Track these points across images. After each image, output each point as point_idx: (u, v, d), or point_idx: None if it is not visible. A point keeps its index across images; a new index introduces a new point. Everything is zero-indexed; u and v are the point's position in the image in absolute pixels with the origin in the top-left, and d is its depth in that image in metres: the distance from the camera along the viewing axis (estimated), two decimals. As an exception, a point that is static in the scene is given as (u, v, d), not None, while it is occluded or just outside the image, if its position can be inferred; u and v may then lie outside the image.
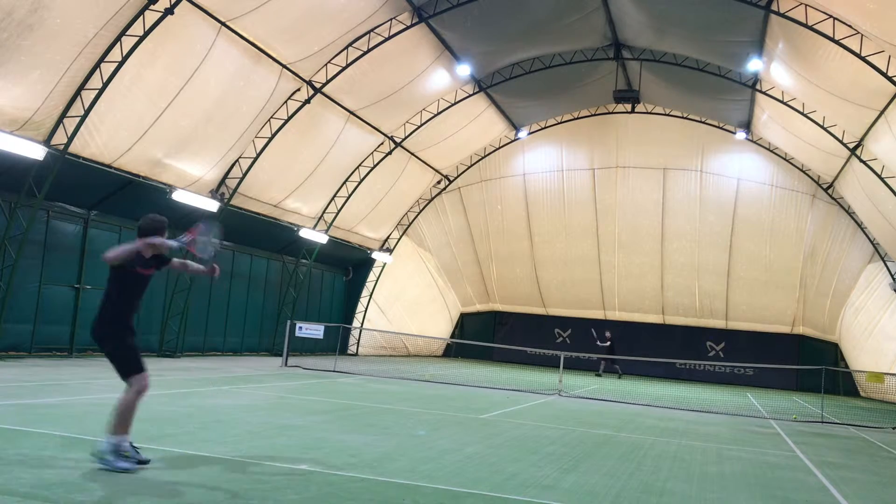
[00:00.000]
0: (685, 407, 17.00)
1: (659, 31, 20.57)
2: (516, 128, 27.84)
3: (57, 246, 16.41)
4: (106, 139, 15.66)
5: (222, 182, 19.50)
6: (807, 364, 26.97)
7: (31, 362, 14.51)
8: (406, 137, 24.31)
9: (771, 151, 25.87)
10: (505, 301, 33.60)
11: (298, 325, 20.63)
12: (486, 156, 28.87)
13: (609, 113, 27.23)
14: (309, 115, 20.10)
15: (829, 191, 24.92)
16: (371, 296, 29.04)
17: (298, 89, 19.32)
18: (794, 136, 22.85)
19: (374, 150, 24.00)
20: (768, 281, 28.09)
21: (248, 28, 16.51)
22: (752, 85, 21.57)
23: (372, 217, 26.81)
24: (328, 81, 19.39)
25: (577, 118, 27.69)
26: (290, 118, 19.39)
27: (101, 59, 14.36)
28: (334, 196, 24.06)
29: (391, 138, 24.08)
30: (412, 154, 25.87)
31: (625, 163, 27.87)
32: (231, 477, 6.01)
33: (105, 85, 14.49)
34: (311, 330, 20.86)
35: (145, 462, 6.04)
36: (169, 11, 14.32)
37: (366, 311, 28.93)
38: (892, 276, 23.04)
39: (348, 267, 28.91)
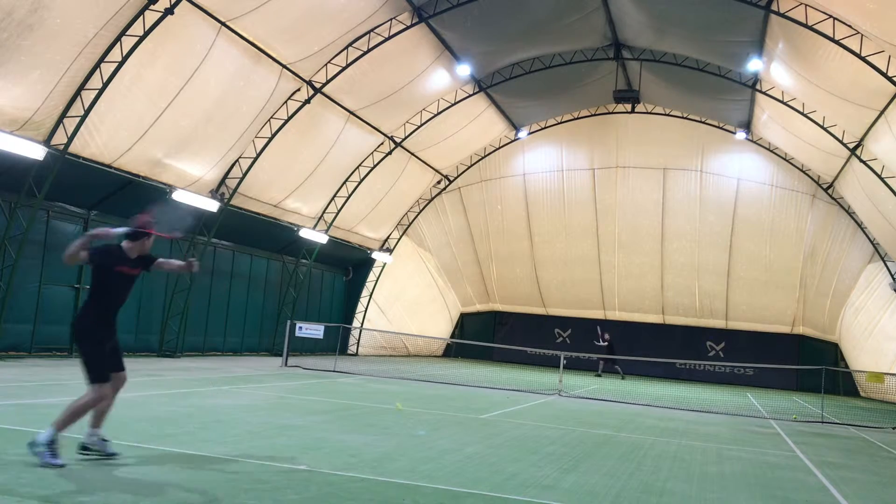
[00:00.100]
0: (685, 407, 17.00)
1: (659, 31, 20.57)
2: (516, 128, 27.84)
3: (57, 246, 16.39)
4: (106, 139, 15.66)
5: (222, 182, 19.50)
6: (807, 364, 26.96)
7: (31, 362, 14.51)
8: (406, 137, 24.31)
9: (771, 151, 25.87)
10: (505, 301, 33.60)
11: (298, 325, 20.63)
12: (486, 156, 28.87)
13: (609, 113, 27.23)
14: (309, 115, 20.10)
15: (829, 191, 24.92)
16: (371, 296, 29.04)
17: (298, 89, 19.32)
18: (794, 136, 22.85)
19: (374, 150, 24.00)
20: (768, 281, 28.09)
21: (248, 28, 16.51)
22: (752, 85, 21.57)
23: (372, 217, 26.81)
24: (328, 81, 19.40)
25: (577, 118, 27.69)
26: (290, 118, 19.39)
27: (101, 59, 14.36)
28: (334, 196, 24.06)
29: (391, 138, 24.08)
30: (412, 154, 25.87)
31: (625, 163, 27.87)
32: (231, 477, 6.01)
33: (105, 85, 14.49)
34: (311, 330, 20.86)
35: (113, 455, 6.09)
36: (169, 11, 14.32)
37: (366, 311, 28.93)
38: (892, 276, 23.04)
39: (348, 267, 28.91)
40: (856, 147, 19.81)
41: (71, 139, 14.68)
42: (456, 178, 29.40)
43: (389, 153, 24.37)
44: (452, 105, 23.80)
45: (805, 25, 16.05)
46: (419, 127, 24.00)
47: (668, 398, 19.15)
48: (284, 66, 18.24)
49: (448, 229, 30.76)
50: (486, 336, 33.04)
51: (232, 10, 15.72)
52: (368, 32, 18.87)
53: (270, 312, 24.36)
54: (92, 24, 13.67)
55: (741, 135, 25.43)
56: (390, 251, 28.90)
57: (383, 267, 29.06)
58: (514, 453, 8.39)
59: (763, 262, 27.73)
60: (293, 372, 18.01)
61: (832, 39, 15.80)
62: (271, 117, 19.30)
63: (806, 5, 15.96)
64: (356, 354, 28.09)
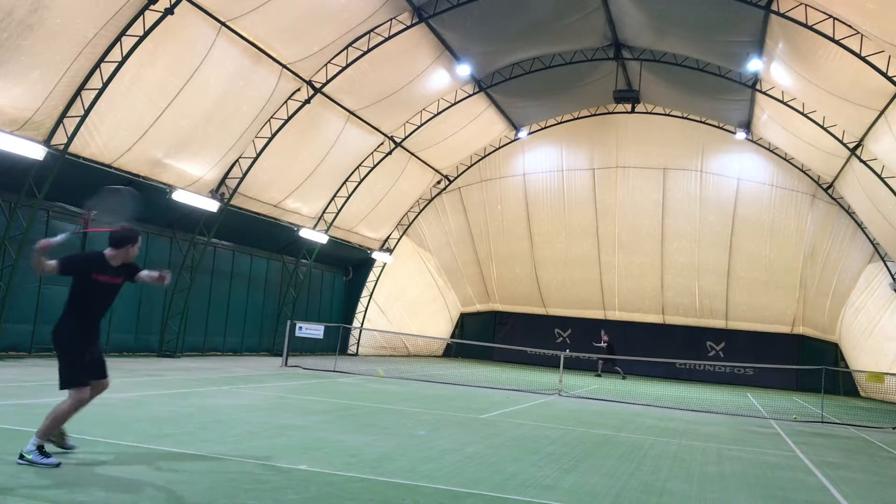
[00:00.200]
0: (685, 407, 17.00)
1: (659, 31, 20.57)
2: (516, 128, 27.84)
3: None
4: (106, 139, 15.66)
5: (222, 182, 19.50)
6: (807, 364, 26.97)
7: (31, 362, 14.50)
8: (406, 137, 24.30)
9: (771, 151, 25.87)
10: (505, 301, 33.60)
11: (298, 325, 20.62)
12: (486, 156, 28.86)
13: (609, 113, 27.23)
14: (309, 115, 20.10)
15: (829, 191, 24.91)
16: (371, 296, 29.04)
17: (298, 89, 19.32)
18: (794, 136, 22.85)
19: (374, 150, 24.00)
20: (768, 281, 28.10)
21: (248, 28, 16.51)
22: (752, 85, 21.57)
23: (372, 217, 26.81)
24: (328, 81, 19.39)
25: (577, 118, 27.69)
26: (290, 118, 19.39)
27: (101, 59, 14.36)
28: (334, 196, 24.06)
29: (391, 138, 24.08)
30: (412, 154, 25.87)
31: (625, 163, 27.87)
32: (231, 477, 6.01)
33: (105, 85, 14.49)
34: (311, 330, 20.85)
35: (71, 448, 6.11)
36: (169, 11, 14.32)
37: (366, 311, 28.93)
38: (892, 276, 23.04)
39: (348, 267, 28.91)
40: (856, 147, 19.81)
41: (71, 139, 14.68)
42: (456, 178, 29.39)
43: (389, 153, 24.37)
44: (452, 105, 23.79)
45: (805, 25, 16.05)
46: (419, 127, 24.00)
47: (668, 398, 19.14)
48: (284, 66, 18.24)
49: (448, 229, 30.76)
50: (486, 336, 33.04)
51: (232, 10, 15.72)
52: (368, 32, 18.87)
53: (270, 312, 24.36)
54: (92, 24, 13.67)
55: (741, 135, 25.43)
56: (390, 251, 28.90)
57: (383, 267, 29.06)
58: (514, 453, 8.39)
59: (763, 262, 27.73)
60: (293, 372, 18.01)
61: (832, 39, 15.80)
62: (271, 117, 19.30)
63: (806, 5, 15.96)
64: (356, 354, 28.08)
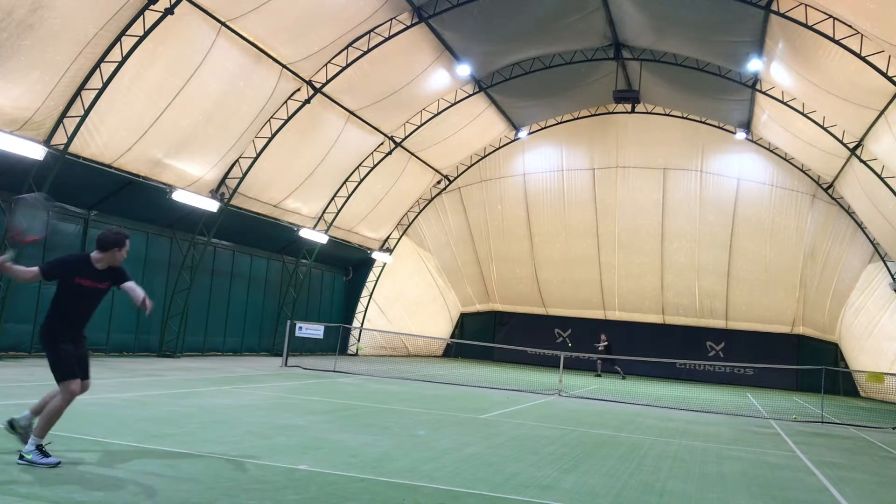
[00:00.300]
0: (685, 407, 17.00)
1: (659, 31, 20.56)
2: (516, 128, 27.84)
3: (57, 246, 16.38)
4: (106, 139, 15.66)
5: (222, 182, 19.50)
6: (807, 364, 26.97)
7: (31, 362, 14.50)
8: (406, 137, 24.30)
9: (771, 151, 25.87)
10: (505, 301, 33.60)
11: (298, 325, 20.63)
12: (486, 156, 28.86)
13: (609, 113, 27.22)
14: (309, 115, 20.10)
15: (829, 191, 24.91)
16: (371, 296, 29.04)
17: (298, 89, 19.32)
18: (794, 136, 22.85)
19: (374, 150, 24.00)
20: (768, 281, 28.10)
21: (248, 28, 16.51)
22: (752, 85, 21.56)
23: (372, 217, 26.81)
24: (328, 81, 19.39)
25: (577, 118, 27.68)
26: (290, 118, 19.39)
27: (101, 59, 14.36)
28: (334, 196, 24.06)
29: (391, 138, 24.08)
30: (412, 154, 25.87)
31: (625, 163, 27.87)
32: (231, 477, 6.01)
33: (105, 85, 14.49)
34: (311, 330, 20.85)
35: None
36: (169, 11, 14.33)
37: (366, 311, 28.93)
38: (892, 276, 23.04)
39: (348, 267, 28.91)
40: (856, 147, 19.81)
41: (71, 139, 14.68)
42: (456, 178, 29.40)
43: (389, 153, 24.37)
44: (452, 105, 23.79)
45: (805, 25, 16.04)
46: (419, 127, 24.00)
47: (668, 398, 19.14)
48: (284, 66, 18.24)
49: (448, 229, 30.76)
50: (486, 336, 33.04)
51: (232, 10, 15.72)
52: (368, 32, 18.87)
53: (270, 312, 24.37)
54: (92, 24, 13.67)
55: (741, 135, 25.43)
56: (390, 251, 28.90)
57: (383, 267, 29.07)
58: (514, 453, 8.39)
59: (763, 262, 27.73)
60: (293, 372, 18.01)
61: (832, 39, 15.80)
62: (271, 117, 19.30)
63: (806, 5, 15.96)
64: (356, 354, 28.08)
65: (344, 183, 23.93)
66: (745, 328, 30.04)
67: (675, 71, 22.33)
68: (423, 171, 27.55)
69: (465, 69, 22.01)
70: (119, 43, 14.31)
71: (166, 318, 19.48)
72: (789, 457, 10.27)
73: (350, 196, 24.22)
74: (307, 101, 19.42)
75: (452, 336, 33.77)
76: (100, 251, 6.15)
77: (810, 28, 15.98)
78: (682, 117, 26.55)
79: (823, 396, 18.60)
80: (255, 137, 19.34)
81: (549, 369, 26.40)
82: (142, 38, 14.36)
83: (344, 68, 19.22)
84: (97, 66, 14.39)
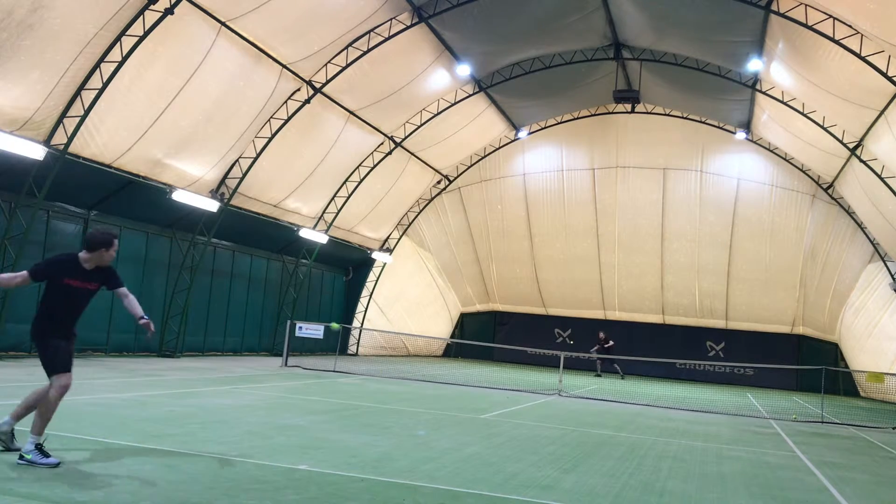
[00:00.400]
0: (685, 407, 17.00)
1: (659, 31, 20.56)
2: (516, 128, 27.84)
3: (57, 246, 16.40)
4: (106, 139, 15.66)
5: (222, 182, 19.50)
6: (807, 364, 26.97)
7: (31, 362, 14.48)
8: (406, 137, 24.30)
9: (771, 151, 25.87)
10: (505, 301, 33.60)
11: (298, 325, 20.63)
12: (486, 156, 28.87)
13: (609, 113, 27.22)
14: (309, 115, 20.10)
15: (829, 191, 24.91)
16: (371, 296, 29.04)
17: (298, 89, 19.32)
18: (794, 136, 22.85)
19: (374, 150, 24.00)
20: (768, 281, 28.10)
21: (248, 28, 16.51)
22: (752, 85, 21.56)
23: (372, 217, 26.81)
24: (328, 81, 19.39)
25: (577, 118, 27.68)
26: (290, 118, 19.39)
27: (101, 59, 14.36)
28: (334, 196, 24.06)
29: (391, 138, 24.08)
30: (412, 154, 25.87)
31: (625, 163, 27.87)
32: (231, 476, 6.01)
33: (105, 85, 14.49)
34: (311, 330, 20.85)
35: (16, 450, 6.07)
36: (169, 11, 14.32)
37: (366, 311, 28.93)
38: (892, 276, 23.04)
39: (348, 267, 28.91)
40: (856, 147, 19.81)
41: (71, 139, 14.68)
42: (456, 178, 29.40)
43: (389, 153, 24.37)
44: (452, 105, 23.79)
45: (805, 25, 16.04)
46: (419, 127, 24.00)
47: (668, 398, 19.14)
48: (284, 66, 18.24)
49: (448, 229, 30.76)
50: (486, 336, 33.04)
51: (232, 10, 15.72)
52: (368, 32, 18.87)
53: (270, 312, 24.37)
54: (92, 24, 13.67)
55: (741, 135, 25.43)
56: (390, 251, 28.90)
57: (383, 267, 29.06)
58: (514, 453, 8.39)
59: (763, 262, 27.73)
60: (293, 372, 18.01)
61: (832, 39, 15.80)
62: (271, 117, 19.30)
63: (806, 5, 15.96)
64: (356, 354, 28.08)
65: (344, 183, 23.93)
66: (745, 328, 30.04)
67: (675, 71, 22.33)
68: (423, 171, 27.56)
69: (465, 69, 22.01)
70: (119, 43, 14.31)
71: (166, 318, 19.48)
72: (789, 457, 10.27)
73: (350, 196, 24.22)
74: (307, 101, 19.42)
75: (452, 336, 33.77)
76: (87, 251, 6.17)
77: (810, 28, 15.98)
78: (682, 117, 26.56)
79: (823, 396, 18.60)
80: (255, 137, 19.34)
81: (549, 369, 26.40)
82: (142, 38, 14.36)
83: (344, 68, 19.22)
84: (97, 66, 14.39)
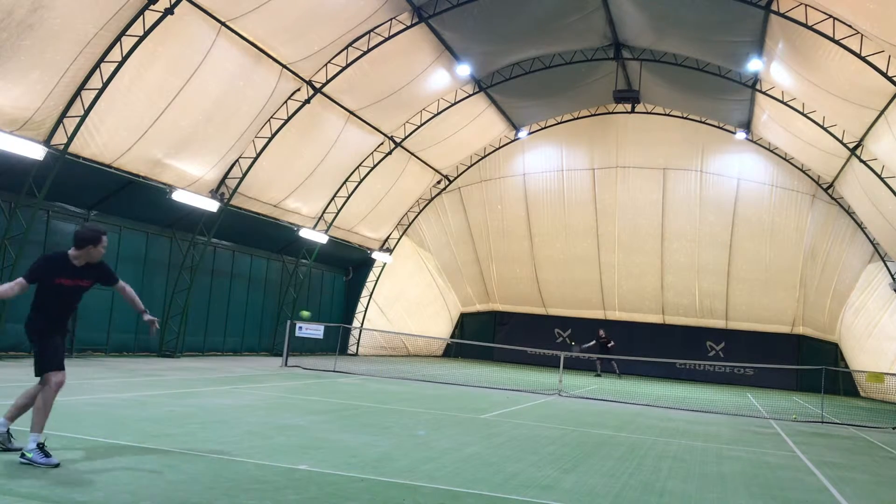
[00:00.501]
0: (685, 407, 17.00)
1: (659, 31, 20.56)
2: (516, 128, 27.84)
3: (57, 246, 16.39)
4: (106, 139, 15.66)
5: (222, 182, 19.50)
6: (807, 364, 26.96)
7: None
8: (406, 137, 24.30)
9: (771, 151, 25.87)
10: (505, 301, 33.60)
11: (298, 325, 20.63)
12: (486, 156, 28.87)
13: (609, 113, 27.22)
14: (309, 115, 20.10)
15: (829, 191, 24.91)
16: (371, 296, 29.04)
17: (298, 89, 19.32)
18: (794, 136, 22.85)
19: (374, 150, 24.00)
20: (768, 281, 28.10)
21: (248, 28, 16.51)
22: (752, 85, 21.56)
23: (372, 217, 26.81)
24: (328, 81, 19.39)
25: (577, 118, 27.68)
26: (290, 118, 19.39)
27: (101, 59, 14.37)
28: (334, 196, 24.06)
29: (391, 138, 24.08)
30: (412, 154, 25.87)
31: (625, 163, 27.87)
32: (231, 476, 6.01)
33: (105, 85, 14.49)
34: (311, 330, 20.85)
35: (15, 450, 6.07)
36: (169, 11, 14.32)
37: (366, 311, 28.93)
38: (892, 276, 23.04)
39: (348, 267, 28.91)
40: (856, 147, 19.81)
41: (71, 139, 14.68)
42: (456, 178, 29.40)
43: (389, 153, 24.37)
44: (452, 105, 23.80)
45: (805, 25, 16.04)
46: (419, 127, 24.00)
47: (668, 398, 19.14)
48: (284, 66, 18.24)
49: (448, 229, 30.76)
50: (486, 336, 33.03)
51: (232, 10, 15.72)
52: (368, 32, 18.87)
53: (270, 312, 24.36)
54: (92, 24, 13.67)
55: (741, 135, 25.43)
56: (390, 251, 28.90)
57: (383, 267, 29.06)
58: (514, 453, 8.39)
59: (763, 262, 27.73)
60: (293, 372, 18.01)
61: (832, 39, 15.80)
62: (271, 117, 19.30)
63: (806, 5, 15.96)
64: (356, 354, 28.08)
65: (344, 183, 23.93)
66: (745, 328, 30.03)
67: (675, 71, 22.33)
68: (423, 171, 27.56)
69: (465, 69, 22.01)
70: (119, 43, 14.31)
71: (166, 318, 19.48)
72: (789, 457, 10.27)
73: (350, 196, 24.22)
74: (307, 101, 19.42)
75: (452, 336, 33.77)
76: (76, 248, 6.19)
77: (810, 28, 15.98)
78: (682, 117, 26.56)
79: (823, 396, 18.59)
80: (255, 137, 19.34)
81: (549, 369, 26.40)
82: (142, 38, 14.36)
83: (344, 68, 19.22)
84: (97, 66, 14.39)
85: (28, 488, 5.14)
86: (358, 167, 23.97)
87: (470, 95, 23.84)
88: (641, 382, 25.68)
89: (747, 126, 25.14)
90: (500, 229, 30.52)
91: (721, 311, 29.90)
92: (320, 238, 24.24)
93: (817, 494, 7.59)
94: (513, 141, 28.46)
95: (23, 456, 5.83)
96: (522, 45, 21.82)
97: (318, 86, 19.44)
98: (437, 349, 34.26)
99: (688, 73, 22.08)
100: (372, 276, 28.94)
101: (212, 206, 19.09)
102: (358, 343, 28.54)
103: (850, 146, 19.96)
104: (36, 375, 6.18)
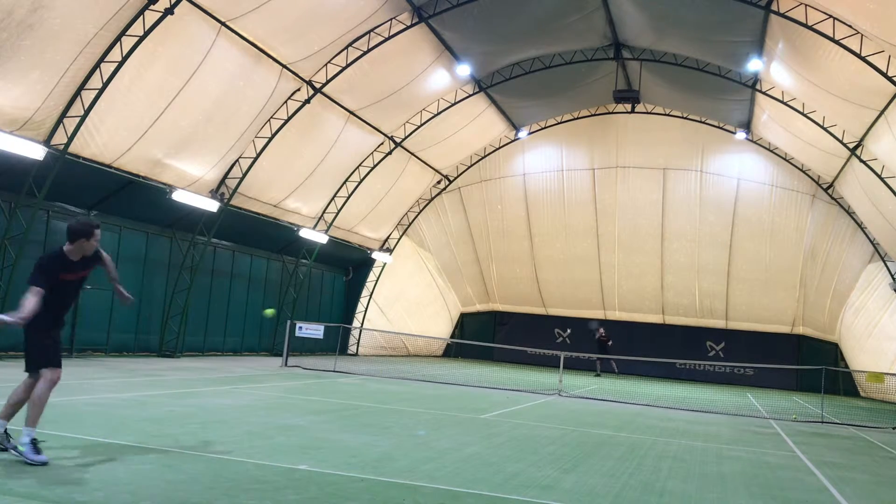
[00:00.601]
0: (685, 407, 17.00)
1: (659, 31, 20.57)
2: (516, 128, 27.84)
3: (57, 246, 16.41)
4: (106, 139, 15.66)
5: (222, 182, 19.50)
6: (807, 364, 26.97)
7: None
8: (406, 137, 24.31)
9: (771, 151, 25.87)
10: (505, 301, 33.60)
11: (298, 325, 20.63)
12: (486, 156, 28.87)
13: (609, 113, 27.23)
14: (309, 115, 20.10)
15: (829, 191, 24.91)
16: (371, 296, 29.04)
17: (298, 89, 19.32)
18: (794, 136, 22.85)
19: (374, 150, 24.00)
20: (768, 281, 28.10)
21: (248, 28, 16.51)
22: (752, 85, 21.56)
23: (372, 217, 26.81)
24: (328, 81, 19.40)
25: (577, 118, 27.69)
26: (290, 118, 19.39)
27: (101, 59, 14.37)
28: (334, 196, 24.06)
29: (391, 138, 24.08)
30: (412, 154, 25.88)
31: (625, 163, 27.87)
32: (231, 476, 6.01)
33: (105, 85, 14.49)
34: (311, 330, 20.85)
35: (13, 449, 6.04)
36: (169, 11, 14.33)
37: (366, 311, 28.93)
38: (892, 276, 23.04)
39: (348, 267, 28.91)
40: (856, 147, 19.81)
41: (71, 139, 14.68)
42: (456, 178, 29.40)
43: (389, 153, 24.37)
44: (452, 105, 23.80)
45: (805, 25, 16.05)
46: (419, 127, 24.00)
47: (668, 398, 19.15)
48: (284, 66, 18.24)
49: (448, 229, 30.77)
50: (486, 336, 33.04)
51: (232, 10, 15.72)
52: (368, 32, 18.87)
53: (270, 312, 24.35)
54: (92, 24, 13.67)
55: (741, 135, 25.43)
56: (390, 251, 28.90)
57: (383, 267, 29.06)
58: (514, 453, 8.39)
59: (763, 262, 27.74)
60: (293, 372, 18.01)
61: (832, 39, 15.80)
62: (271, 117, 19.30)
63: (806, 5, 15.96)
64: (356, 354, 28.08)
65: (344, 183, 23.94)
66: (745, 328, 30.04)
67: (675, 71, 22.34)
68: (423, 171, 27.56)
69: (465, 69, 22.01)
70: (119, 43, 14.31)
71: (166, 318, 19.47)
72: (789, 457, 10.27)
73: (350, 196, 24.22)
74: (307, 101, 19.42)
75: (452, 336, 33.77)
76: (69, 243, 6.27)
77: (810, 28, 15.98)
78: (682, 117, 26.56)
79: (823, 396, 18.59)
80: (255, 137, 19.34)
81: (549, 369, 26.40)
82: (142, 38, 14.36)
83: (344, 68, 19.22)
84: (97, 66, 14.39)
85: (27, 488, 5.14)
86: (358, 167, 23.97)
87: (470, 95, 23.84)
88: (641, 382, 25.68)
89: (747, 126, 25.14)
90: (500, 229, 30.53)
91: (721, 311, 29.90)
92: (320, 238, 24.24)
93: (817, 494, 7.59)
94: (513, 141, 28.46)
95: (15, 449, 5.85)
96: (522, 45, 21.82)
97: (318, 86, 19.44)
98: (437, 349, 34.26)
99: (688, 73, 22.09)
100: (372, 276, 28.95)
101: (212, 206, 19.09)
102: (358, 343, 28.54)
103: (850, 146, 19.96)
104: (26, 371, 6.24)
